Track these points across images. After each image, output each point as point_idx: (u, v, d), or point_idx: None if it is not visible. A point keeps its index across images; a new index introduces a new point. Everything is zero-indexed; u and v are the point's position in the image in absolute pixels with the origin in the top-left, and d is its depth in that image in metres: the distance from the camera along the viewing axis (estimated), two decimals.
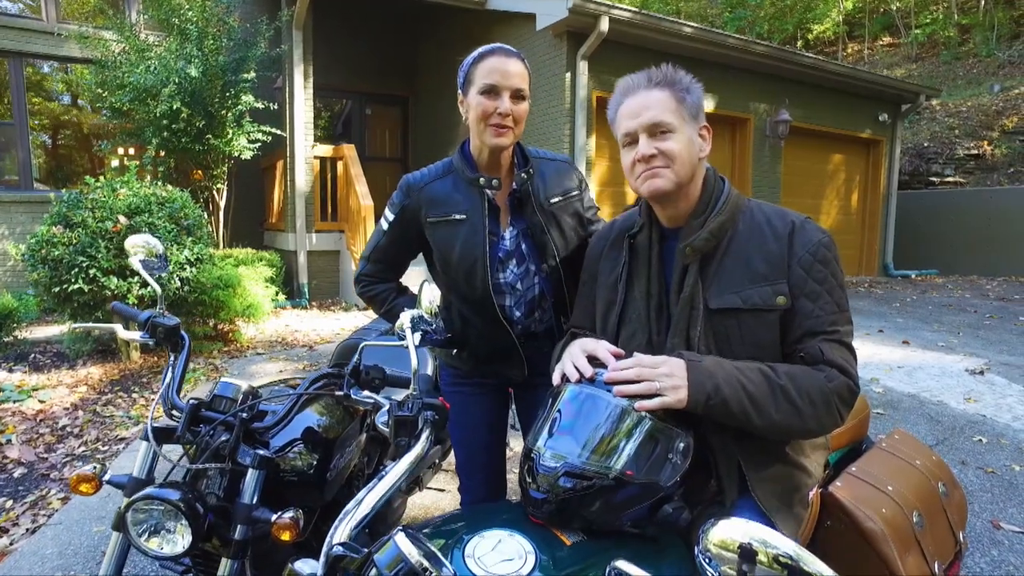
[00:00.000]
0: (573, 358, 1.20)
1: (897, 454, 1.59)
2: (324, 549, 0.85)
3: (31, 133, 8.32)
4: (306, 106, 7.62)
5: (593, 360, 1.19)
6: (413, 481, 2.36)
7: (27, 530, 2.66)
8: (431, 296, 1.34)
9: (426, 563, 0.76)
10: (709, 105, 8.02)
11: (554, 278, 1.60)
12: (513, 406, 1.84)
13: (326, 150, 7.86)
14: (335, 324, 6.55)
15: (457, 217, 1.55)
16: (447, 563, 0.81)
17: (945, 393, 4.31)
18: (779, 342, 1.19)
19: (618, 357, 1.18)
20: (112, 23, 7.18)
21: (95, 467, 1.31)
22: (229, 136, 7.03)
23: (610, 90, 1.29)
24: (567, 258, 1.60)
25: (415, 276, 1.55)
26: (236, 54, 7.10)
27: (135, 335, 1.53)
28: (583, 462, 1.06)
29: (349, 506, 0.91)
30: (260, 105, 7.10)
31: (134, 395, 4.28)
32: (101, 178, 5.01)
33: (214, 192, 7.51)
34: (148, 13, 7.37)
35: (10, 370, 4.69)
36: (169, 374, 1.46)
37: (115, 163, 8.31)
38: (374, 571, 0.79)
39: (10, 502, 2.90)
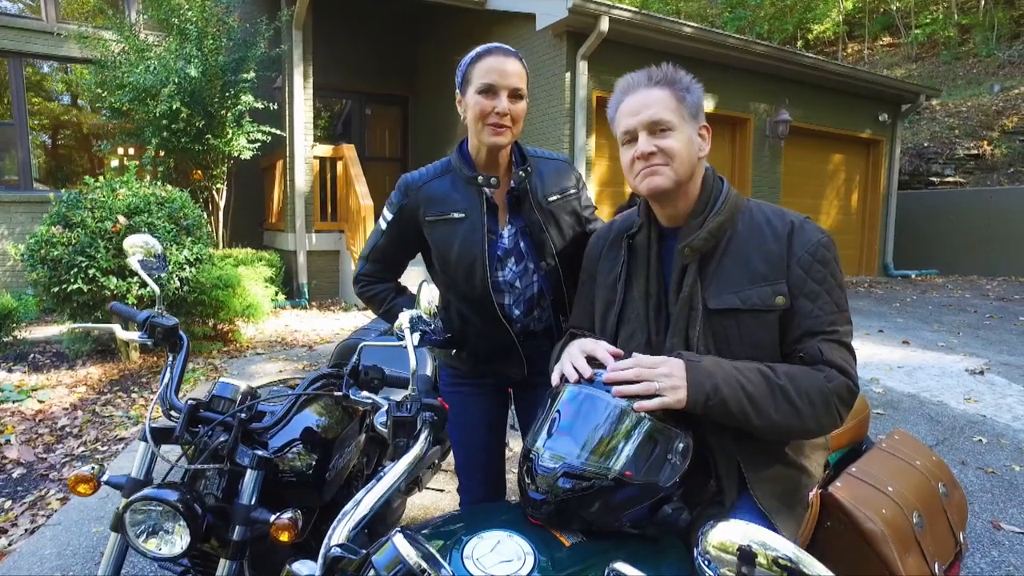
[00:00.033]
0: (572, 358, 1.20)
1: (897, 454, 1.59)
2: (322, 550, 0.85)
3: (31, 133, 8.32)
4: (306, 106, 7.61)
5: (592, 360, 1.19)
6: (412, 481, 2.36)
7: (26, 530, 2.65)
8: (430, 296, 1.34)
9: (424, 564, 0.76)
10: (709, 105, 8.02)
11: (553, 277, 1.60)
12: (512, 406, 1.84)
13: (326, 150, 7.86)
14: (335, 324, 6.55)
15: (456, 215, 1.55)
16: (445, 564, 0.80)
17: (945, 393, 4.30)
18: (778, 342, 1.19)
19: (617, 357, 1.17)
20: (112, 23, 7.18)
21: (93, 467, 1.31)
22: (229, 136, 7.03)
23: (610, 90, 1.29)
24: (565, 257, 1.60)
25: (414, 276, 1.54)
26: (236, 54, 7.10)
27: (133, 335, 1.53)
28: (582, 463, 1.06)
29: (347, 507, 0.91)
30: (260, 105, 7.09)
31: (133, 395, 4.28)
32: (100, 178, 5.01)
33: (214, 192, 7.51)
34: (148, 13, 7.37)
35: (9, 370, 4.69)
36: (167, 374, 1.46)
37: (115, 163, 8.31)
38: (372, 572, 0.78)
39: (9, 502, 2.89)
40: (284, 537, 1.22)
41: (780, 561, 0.63)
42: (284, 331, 6.20)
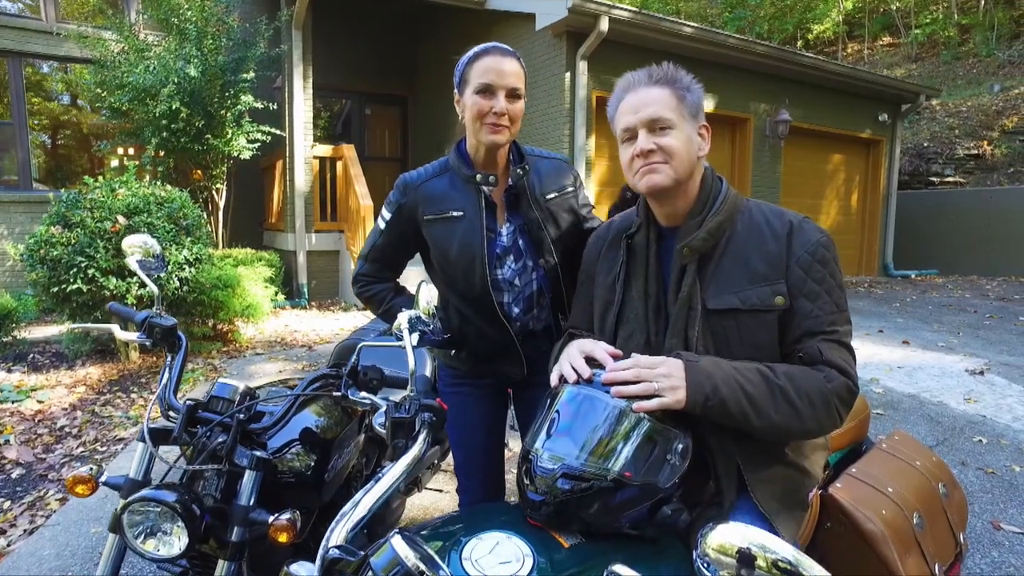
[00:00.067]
0: (571, 359, 1.20)
1: (897, 455, 1.58)
2: (320, 552, 0.84)
3: (30, 133, 8.32)
4: (305, 106, 7.61)
5: (591, 361, 1.18)
6: (412, 482, 2.36)
7: (25, 531, 2.65)
8: (428, 296, 1.33)
9: (422, 566, 0.76)
10: (709, 105, 8.01)
11: (551, 274, 1.61)
12: (512, 407, 1.84)
13: (325, 150, 7.86)
14: (334, 324, 6.54)
15: (454, 214, 1.55)
16: (444, 566, 0.80)
17: (945, 393, 4.30)
18: (778, 342, 1.18)
19: (616, 358, 1.17)
20: (111, 23, 7.18)
21: (91, 468, 1.30)
22: (228, 136, 7.02)
23: (610, 90, 1.29)
24: (564, 254, 1.61)
25: (413, 277, 1.54)
26: (235, 54, 7.10)
27: (132, 336, 1.52)
28: (581, 464, 1.05)
29: (345, 508, 0.91)
30: (259, 105, 7.09)
31: (133, 395, 4.28)
32: (100, 178, 5.00)
33: (213, 192, 7.51)
34: (147, 13, 7.37)
35: (9, 370, 4.69)
36: (166, 375, 1.45)
37: (114, 163, 8.31)
38: (370, 574, 0.78)
39: (8, 503, 2.89)
40: (283, 538, 1.21)
41: (780, 564, 0.63)
42: (284, 331, 6.20)
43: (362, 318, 6.75)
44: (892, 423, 3.81)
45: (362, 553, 0.83)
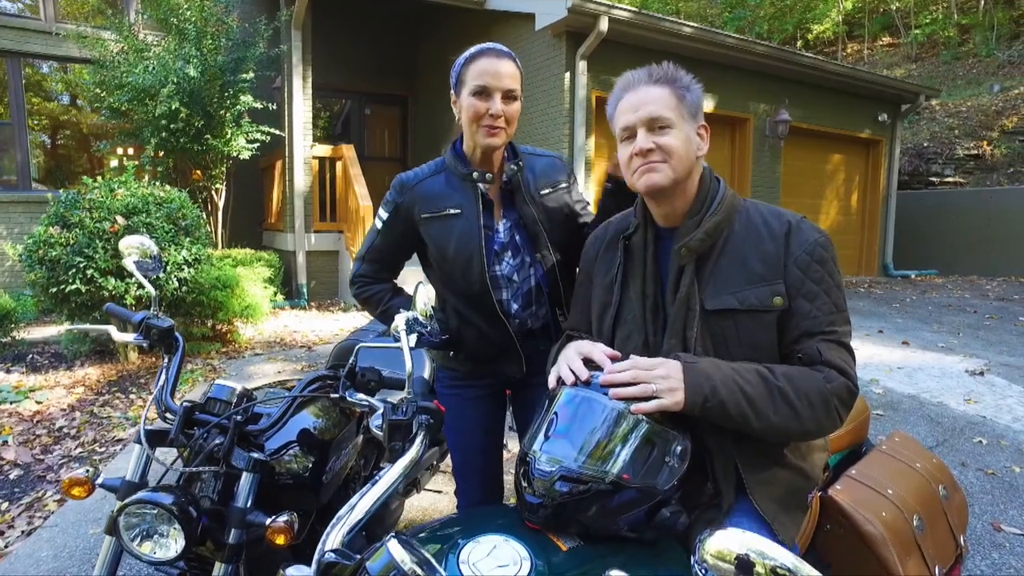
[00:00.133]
0: (568, 361, 1.19)
1: (897, 457, 1.58)
2: (316, 556, 0.84)
3: (29, 133, 8.31)
4: (305, 106, 7.61)
5: (589, 363, 1.18)
6: (411, 483, 2.35)
7: (22, 532, 2.64)
8: (426, 297, 1.33)
9: (419, 570, 0.75)
10: (709, 105, 8.01)
11: (548, 269, 1.61)
12: (510, 408, 1.83)
13: (325, 150, 7.85)
14: (334, 325, 6.54)
15: (452, 212, 1.55)
16: (441, 570, 0.80)
17: (945, 394, 4.30)
18: (777, 343, 1.18)
19: (614, 359, 1.17)
20: (110, 23, 7.18)
21: (88, 470, 1.30)
22: (228, 136, 7.02)
23: (609, 90, 1.28)
24: (560, 249, 1.62)
25: (411, 277, 1.54)
26: (235, 54, 7.09)
27: (129, 337, 1.52)
28: (579, 466, 1.05)
29: (342, 512, 0.90)
30: (259, 105, 7.09)
31: (132, 396, 4.27)
32: (99, 178, 5.00)
33: (213, 192, 7.50)
34: (146, 13, 7.36)
35: (7, 371, 4.68)
36: (163, 376, 1.45)
37: (114, 163, 8.30)
38: None
39: (6, 504, 2.89)
40: (280, 540, 1.21)
41: (778, 571, 0.62)
42: (283, 332, 6.20)
43: (361, 318, 6.74)
44: (892, 424, 3.80)
45: (358, 557, 0.82)
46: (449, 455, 1.85)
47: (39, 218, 4.81)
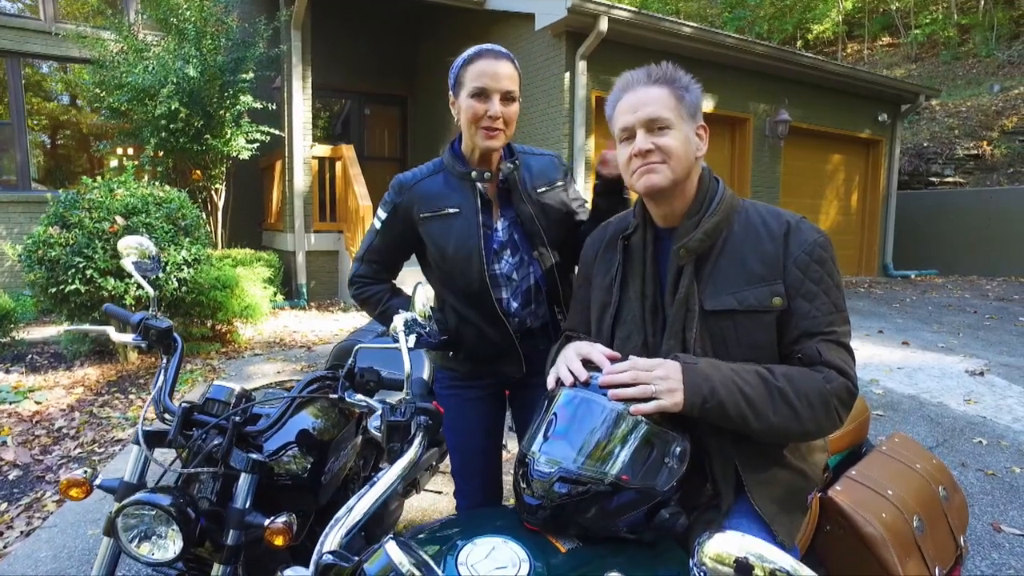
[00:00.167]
0: (567, 361, 1.19)
1: (897, 458, 1.58)
2: (314, 557, 0.84)
3: (29, 133, 8.31)
4: (304, 106, 7.60)
5: (588, 363, 1.18)
6: (410, 484, 2.35)
7: (21, 533, 2.64)
8: (424, 298, 1.33)
9: (417, 572, 0.75)
10: (709, 105, 8.01)
11: (547, 267, 1.61)
12: (509, 409, 1.83)
13: (325, 150, 7.85)
14: (333, 325, 6.54)
15: (450, 211, 1.56)
16: (439, 571, 0.79)
17: (945, 394, 4.29)
18: (776, 343, 1.18)
19: (613, 360, 1.16)
20: (110, 23, 7.17)
21: (86, 471, 1.30)
22: (227, 136, 7.02)
23: (609, 90, 1.28)
24: (558, 247, 1.62)
25: (410, 278, 1.53)
26: (234, 54, 7.09)
27: (127, 338, 1.52)
28: (578, 467, 1.05)
29: (340, 513, 0.90)
30: (258, 105, 7.08)
31: (131, 396, 4.27)
32: (98, 178, 5.00)
33: (212, 192, 7.50)
34: (146, 13, 7.36)
35: (7, 371, 4.68)
36: (161, 377, 1.44)
37: (113, 163, 8.30)
38: None
39: (4, 504, 2.88)
40: (279, 541, 1.21)
41: (777, 574, 0.62)
42: (283, 332, 6.19)
43: (361, 319, 6.74)
44: (892, 424, 3.80)
45: (356, 558, 0.82)
46: (448, 456, 1.84)
47: (39, 218, 4.81)
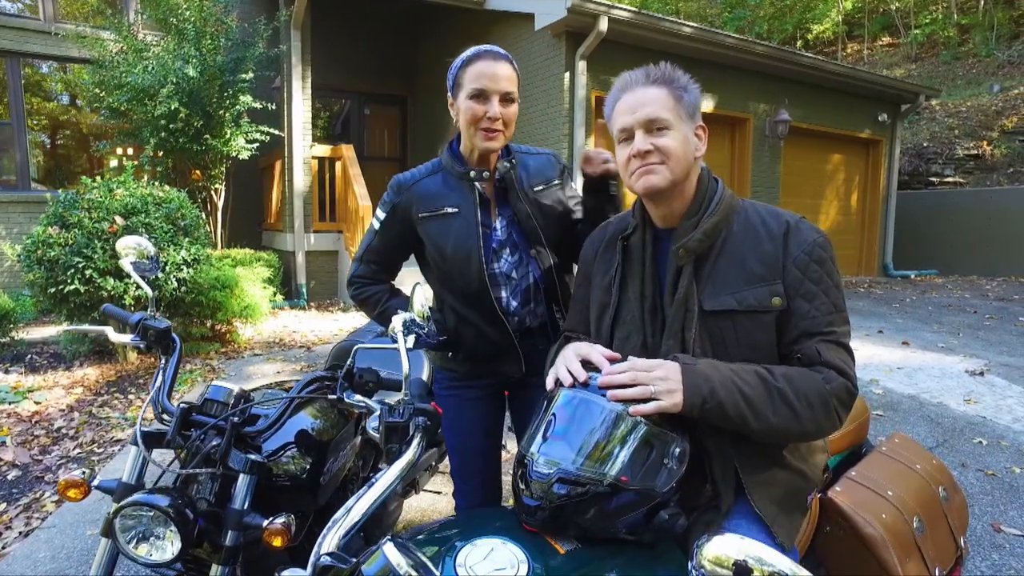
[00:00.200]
0: (566, 362, 1.18)
1: (897, 458, 1.57)
2: (311, 559, 0.83)
3: (29, 133, 8.31)
4: (304, 106, 7.60)
5: (587, 364, 1.17)
6: (409, 484, 2.35)
7: (20, 533, 2.64)
8: (423, 298, 1.32)
9: (414, 574, 0.75)
10: (708, 105, 8.01)
11: (545, 265, 1.61)
12: (508, 409, 1.83)
13: (324, 150, 7.85)
14: (333, 325, 6.53)
15: (449, 210, 1.56)
16: (437, 573, 0.79)
17: (945, 395, 4.29)
18: (775, 344, 1.17)
19: (612, 361, 1.16)
20: (109, 23, 7.17)
21: (84, 472, 1.29)
22: (227, 136, 7.01)
23: (609, 90, 1.28)
24: (555, 245, 1.62)
25: (408, 279, 1.53)
26: (234, 54, 7.09)
27: (126, 338, 1.51)
28: (577, 468, 1.04)
29: (338, 515, 0.90)
30: (258, 105, 7.08)
31: (130, 396, 4.27)
32: (98, 178, 4.99)
33: (212, 192, 7.50)
34: (146, 13, 7.36)
35: (6, 371, 4.67)
36: (160, 377, 1.44)
37: (113, 163, 8.30)
38: None
39: (3, 505, 2.88)
40: (277, 542, 1.20)
41: None
42: (282, 332, 6.19)
43: (361, 318, 6.73)
44: (892, 424, 3.80)
45: (354, 560, 0.81)
46: (448, 456, 1.84)
47: (38, 218, 4.80)
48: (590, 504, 1.04)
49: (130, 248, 1.60)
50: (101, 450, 3.47)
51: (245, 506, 1.26)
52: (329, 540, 0.86)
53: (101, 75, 7.01)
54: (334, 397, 1.37)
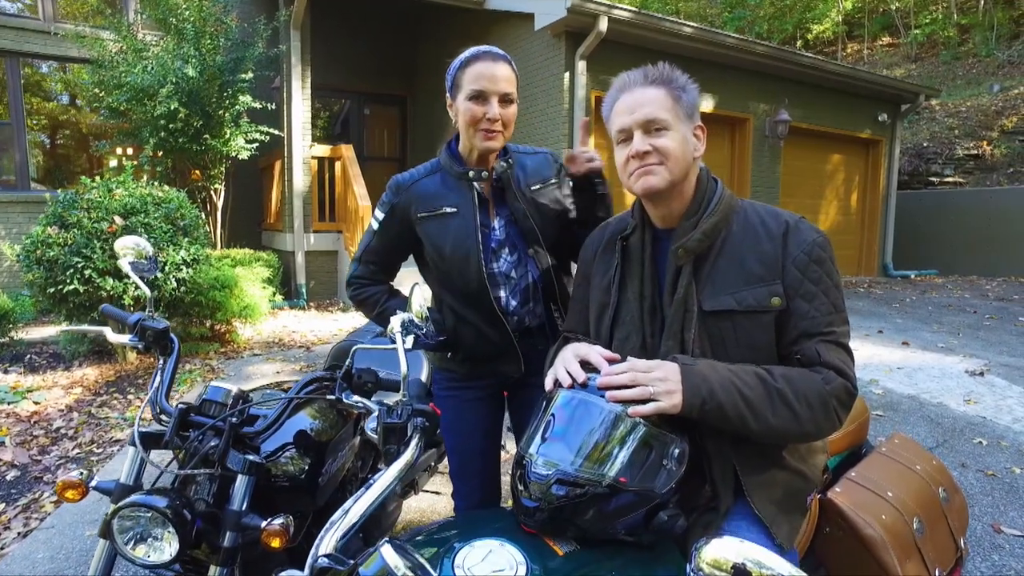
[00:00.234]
0: (566, 363, 1.18)
1: (897, 459, 1.57)
2: (309, 560, 0.83)
3: (28, 133, 8.30)
4: (304, 106, 7.60)
5: (586, 364, 1.17)
6: (408, 485, 2.34)
7: (19, 534, 2.63)
8: (422, 299, 1.32)
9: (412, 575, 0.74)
10: (708, 105, 8.00)
11: (543, 265, 1.61)
12: (507, 410, 1.82)
13: (324, 150, 7.85)
14: (333, 325, 6.53)
15: (448, 210, 1.56)
16: (435, 574, 0.79)
17: (945, 395, 4.29)
18: (775, 344, 1.17)
19: (611, 361, 1.16)
20: (109, 23, 7.17)
21: (82, 473, 1.29)
22: (227, 136, 7.01)
23: (608, 90, 1.28)
24: (552, 244, 1.62)
25: (407, 279, 1.53)
26: (234, 54, 7.08)
27: (124, 339, 1.51)
28: (576, 469, 1.04)
29: (336, 516, 0.89)
30: (258, 105, 7.08)
31: (130, 397, 4.26)
32: (97, 178, 4.99)
33: (212, 192, 7.49)
34: (145, 13, 7.36)
35: (5, 371, 4.67)
36: (158, 378, 1.44)
37: (113, 163, 8.30)
38: None
39: (2, 505, 2.88)
40: (276, 543, 1.20)
41: None
42: (282, 332, 6.19)
43: (360, 318, 6.73)
44: (892, 424, 3.79)
45: (352, 562, 0.81)
46: (447, 457, 1.84)
47: (37, 218, 4.80)
48: (589, 505, 1.03)
49: (128, 248, 1.59)
50: (100, 450, 3.47)
51: (243, 507, 1.25)
52: (327, 541, 0.85)
53: (101, 75, 7.01)
54: (333, 398, 1.36)
